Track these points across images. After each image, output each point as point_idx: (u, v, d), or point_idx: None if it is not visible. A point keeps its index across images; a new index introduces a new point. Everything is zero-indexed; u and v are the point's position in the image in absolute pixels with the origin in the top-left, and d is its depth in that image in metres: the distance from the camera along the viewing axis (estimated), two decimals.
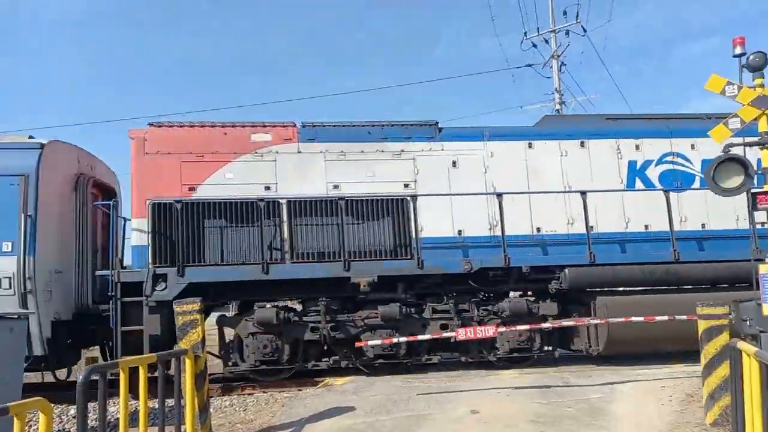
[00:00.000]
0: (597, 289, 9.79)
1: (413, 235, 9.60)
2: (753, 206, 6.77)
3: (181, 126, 9.87)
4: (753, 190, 6.90)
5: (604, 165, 10.47)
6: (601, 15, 30.51)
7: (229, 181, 9.46)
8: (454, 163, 10.08)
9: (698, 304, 6.50)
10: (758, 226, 9.86)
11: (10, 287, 8.22)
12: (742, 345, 5.43)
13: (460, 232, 9.87)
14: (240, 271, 9.13)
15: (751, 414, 4.86)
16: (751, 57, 6.77)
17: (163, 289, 8.73)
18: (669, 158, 10.69)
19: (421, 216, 9.69)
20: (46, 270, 8.63)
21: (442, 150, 10.09)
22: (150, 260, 8.90)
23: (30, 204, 8.42)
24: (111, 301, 8.70)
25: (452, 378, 9.13)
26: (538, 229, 10.04)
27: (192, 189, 9.34)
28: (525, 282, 10.07)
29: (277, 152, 9.71)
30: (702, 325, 6.41)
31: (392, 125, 10.41)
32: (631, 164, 10.57)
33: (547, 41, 24.54)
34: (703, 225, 10.43)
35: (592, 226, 9.85)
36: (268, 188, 9.55)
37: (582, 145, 10.51)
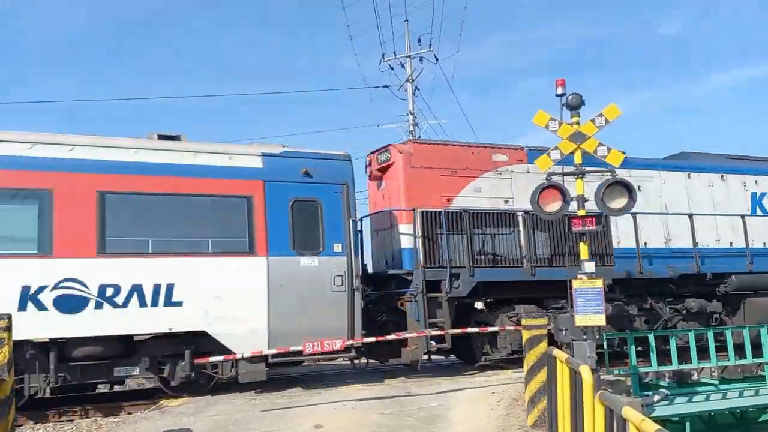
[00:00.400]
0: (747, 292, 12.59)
1: (628, 246, 11.64)
2: (568, 228, 7.68)
3: (437, 144, 11.69)
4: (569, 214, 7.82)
5: (736, 195, 13.22)
6: (452, 44, 32.68)
7: (477, 194, 10.92)
8: (638, 187, 10.91)
9: (523, 316, 7.18)
10: None
11: (342, 284, 9.19)
12: (556, 352, 6.08)
13: (645, 243, 11.83)
14: (513, 272, 10.70)
15: (563, 415, 5.45)
16: (570, 97, 7.73)
17: (457, 287, 10.14)
18: None
19: (618, 229, 11.62)
20: (360, 268, 9.75)
21: (630, 176, 10.53)
22: (421, 261, 10.01)
23: (351, 209, 9.59)
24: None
25: (297, 394, 9.03)
26: (697, 244, 12.20)
27: (449, 199, 10.69)
28: (697, 285, 12.31)
29: (512, 171, 11.26)
30: (525, 335, 7.08)
31: None
32: (752, 195, 13.46)
33: (402, 65, 25.70)
34: None
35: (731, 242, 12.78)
36: (506, 201, 11.13)
37: (722, 178, 13.21)
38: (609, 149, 7.69)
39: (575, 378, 5.25)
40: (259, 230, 8.92)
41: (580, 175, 7.79)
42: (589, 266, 7.50)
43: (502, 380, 9.58)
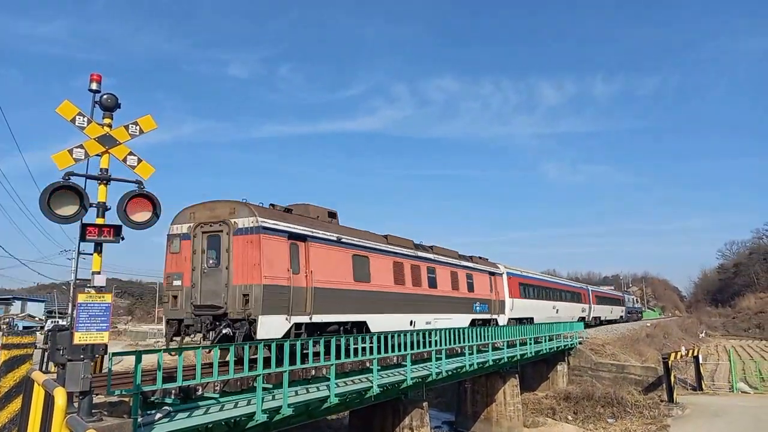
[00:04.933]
0: None
1: None
2: (82, 237, 6.99)
3: None
4: (85, 221, 7.14)
5: None
6: None
7: None
8: None
9: (3, 334, 6.02)
10: None
11: None
12: (35, 375, 5.28)
13: None
14: None
15: None
16: (105, 96, 7.21)
17: None
18: None
19: None
20: None
21: None
22: None
23: None
24: None
25: None
26: None
27: None
28: None
29: None
30: (3, 356, 5.93)
31: None
32: None
33: None
34: None
35: None
36: None
37: None
38: (140, 160, 7.48)
39: (50, 402, 4.62)
40: None
41: (105, 182, 7.27)
42: (99, 280, 6.97)
43: None
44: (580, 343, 32.51)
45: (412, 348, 17.66)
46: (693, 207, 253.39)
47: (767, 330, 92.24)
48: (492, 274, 28.58)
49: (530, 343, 26.82)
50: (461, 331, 20.88)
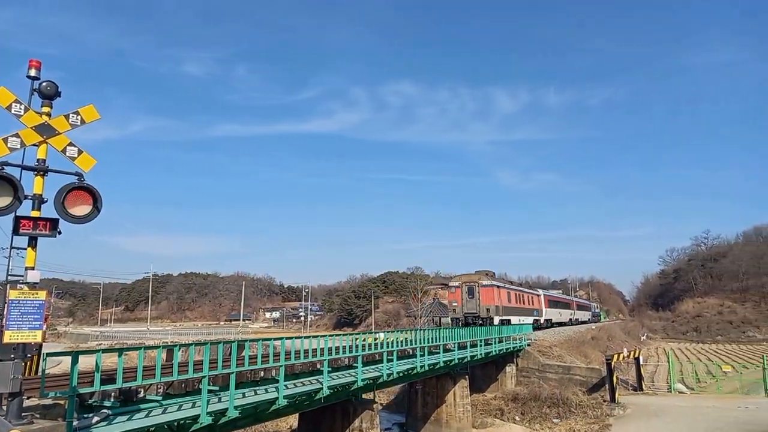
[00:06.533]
0: None
1: None
2: (15, 230, 6.63)
3: None
4: (19, 214, 6.77)
5: None
6: None
7: None
8: None
9: None
10: None
11: None
12: None
13: None
14: None
15: None
16: (44, 84, 6.87)
17: None
18: None
19: None
20: None
21: None
22: None
23: None
24: None
25: None
26: None
27: None
28: None
29: None
30: None
31: None
32: None
33: None
34: None
35: None
36: None
37: None
38: (80, 151, 7.16)
39: None
40: None
41: (42, 173, 6.92)
42: (33, 276, 6.63)
43: None
44: (528, 345, 33.23)
45: (363, 350, 17.63)
46: (638, 215, 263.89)
47: (704, 333, 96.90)
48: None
49: (480, 345, 27.21)
50: (413, 333, 20.97)
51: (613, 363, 27.56)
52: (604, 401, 26.44)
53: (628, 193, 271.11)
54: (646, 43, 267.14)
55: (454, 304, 37.11)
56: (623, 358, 30.18)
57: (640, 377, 31.62)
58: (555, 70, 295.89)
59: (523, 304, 44.44)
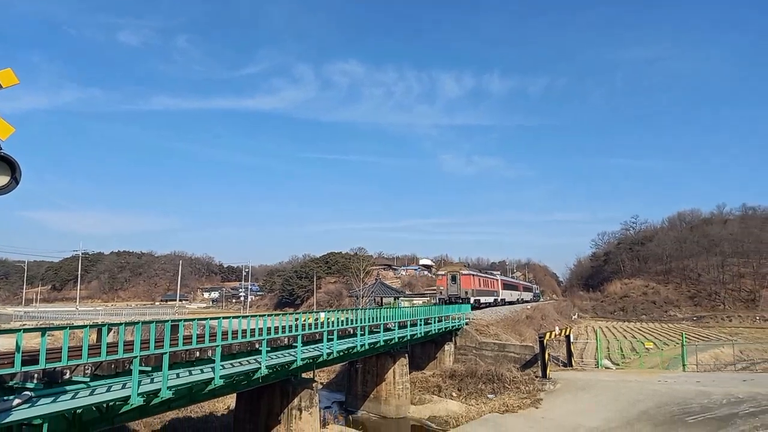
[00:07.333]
0: None
1: None
2: None
3: None
4: None
5: None
6: None
7: None
8: None
9: None
10: None
11: None
12: None
13: None
14: None
15: None
16: None
17: None
18: None
19: None
20: None
21: None
22: None
23: None
24: None
25: None
26: None
27: None
28: None
29: None
30: None
31: None
32: None
33: None
34: None
35: None
36: None
37: None
38: None
39: None
40: None
41: None
42: None
43: None
44: (466, 324, 34.12)
45: (303, 329, 17.56)
46: (574, 200, 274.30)
47: (630, 313, 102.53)
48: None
49: (420, 324, 27.69)
50: (354, 312, 21.05)
51: (545, 341, 28.73)
52: (536, 377, 27.59)
53: (565, 179, 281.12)
54: (586, 36, 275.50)
55: (441, 288, 48.27)
56: (555, 336, 31.52)
57: (570, 354, 33.16)
58: (498, 55, 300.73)
59: (489, 287, 55.54)
